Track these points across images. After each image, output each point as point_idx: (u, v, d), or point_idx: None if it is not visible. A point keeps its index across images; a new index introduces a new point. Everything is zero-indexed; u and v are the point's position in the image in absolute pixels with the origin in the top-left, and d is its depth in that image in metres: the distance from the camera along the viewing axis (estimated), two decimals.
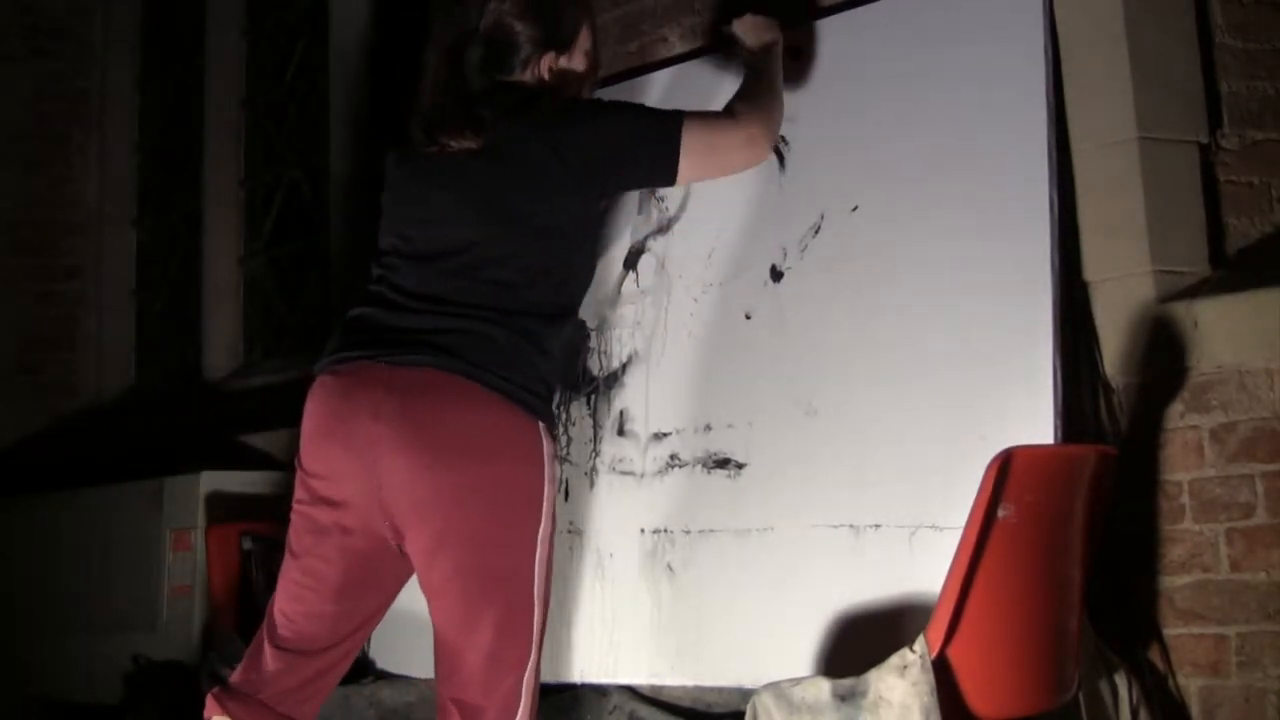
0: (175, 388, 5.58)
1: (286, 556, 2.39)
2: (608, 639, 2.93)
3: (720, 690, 2.83)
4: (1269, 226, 2.81)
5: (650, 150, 2.48)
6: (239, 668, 2.40)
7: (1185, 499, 2.60)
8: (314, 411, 2.35)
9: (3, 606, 4.79)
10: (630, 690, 2.96)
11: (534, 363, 2.32)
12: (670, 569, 2.86)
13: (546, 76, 2.52)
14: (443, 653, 2.31)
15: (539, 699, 2.34)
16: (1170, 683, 2.59)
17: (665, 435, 2.94)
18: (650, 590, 2.88)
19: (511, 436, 2.28)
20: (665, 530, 2.89)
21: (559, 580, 3.02)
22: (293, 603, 2.37)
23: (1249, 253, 2.76)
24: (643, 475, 2.96)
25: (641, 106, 2.62)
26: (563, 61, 2.53)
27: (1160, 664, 2.60)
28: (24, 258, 5.76)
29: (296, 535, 2.38)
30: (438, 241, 2.39)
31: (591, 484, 3.04)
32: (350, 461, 2.28)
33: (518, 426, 2.28)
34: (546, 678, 3.00)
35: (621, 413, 3.03)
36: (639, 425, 2.99)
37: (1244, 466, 2.54)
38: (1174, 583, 2.61)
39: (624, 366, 3.05)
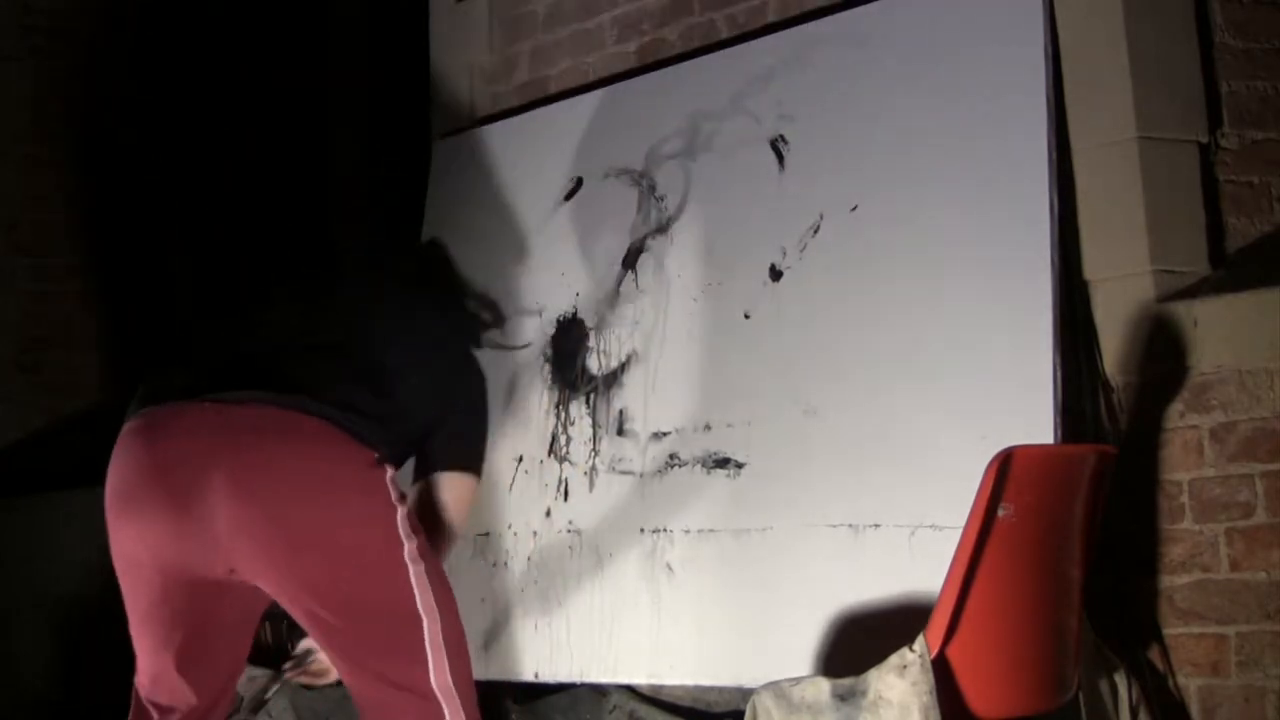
0: None
1: (131, 618, 2.33)
2: (607, 639, 2.93)
3: (720, 690, 2.83)
4: (1269, 226, 2.81)
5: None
6: None
7: (1185, 499, 2.60)
8: (131, 465, 2.26)
9: (2, 606, 4.78)
10: (630, 690, 2.96)
11: (357, 379, 2.31)
12: (670, 568, 2.86)
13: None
14: (346, 683, 2.31)
15: (474, 707, 2.32)
16: (1170, 682, 2.59)
17: (664, 435, 2.94)
18: (650, 590, 2.88)
19: (354, 476, 2.24)
20: (665, 530, 2.89)
21: (559, 579, 3.02)
22: (151, 658, 2.33)
23: (1249, 253, 2.76)
24: (642, 475, 2.96)
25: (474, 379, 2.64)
26: None
27: (1160, 664, 2.60)
28: (24, 258, 5.75)
29: (132, 596, 2.32)
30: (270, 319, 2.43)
31: (591, 484, 3.04)
32: (179, 516, 2.20)
33: (359, 462, 2.25)
34: (546, 678, 3.00)
35: (621, 412, 3.03)
36: (638, 425, 2.99)
37: (1244, 466, 2.54)
38: (1174, 582, 2.61)
39: (623, 366, 3.05)
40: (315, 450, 2.22)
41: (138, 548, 2.27)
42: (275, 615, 2.92)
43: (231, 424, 2.19)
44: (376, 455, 2.27)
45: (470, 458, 2.57)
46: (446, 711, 2.25)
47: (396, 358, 2.40)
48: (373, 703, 2.27)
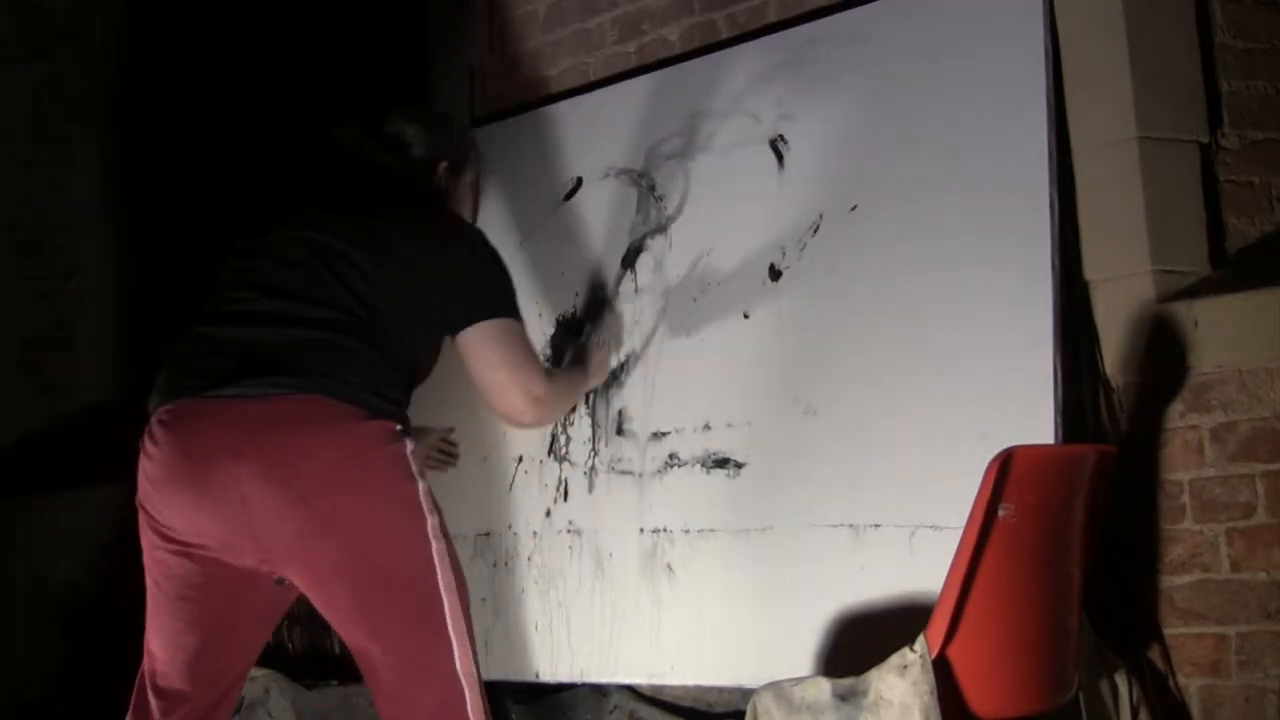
0: None
1: (150, 604, 2.34)
2: (607, 639, 2.93)
3: (720, 690, 2.83)
4: (1269, 226, 2.81)
5: (468, 298, 2.47)
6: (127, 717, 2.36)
7: (1185, 499, 2.60)
8: (159, 457, 2.26)
9: (2, 607, 4.78)
10: (630, 690, 2.97)
11: (379, 367, 2.31)
12: (670, 568, 2.86)
13: (438, 180, 2.69)
14: (366, 675, 2.29)
15: (483, 688, 2.30)
16: (1170, 682, 2.59)
17: (664, 435, 2.94)
18: (650, 590, 2.88)
19: (377, 452, 2.26)
20: (665, 530, 2.89)
21: (559, 579, 3.03)
22: (168, 649, 2.33)
23: (1249, 253, 2.76)
24: (642, 475, 2.96)
25: (504, 278, 2.56)
26: (452, 176, 2.72)
27: (1160, 664, 2.60)
28: (24, 258, 5.75)
29: (157, 582, 2.32)
30: (278, 278, 2.38)
31: (590, 484, 3.04)
32: (211, 506, 2.22)
33: (380, 437, 2.26)
34: (546, 678, 3.01)
35: (620, 412, 3.03)
36: (638, 425, 2.99)
37: (1244, 466, 2.54)
38: (1174, 582, 2.61)
39: (623, 366, 3.05)
40: (337, 432, 2.23)
41: (168, 537, 2.28)
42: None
43: (253, 416, 2.21)
44: (397, 426, 2.29)
45: (480, 308, 2.49)
46: (468, 697, 2.25)
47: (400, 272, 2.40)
48: (396, 691, 2.26)
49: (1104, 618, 2.57)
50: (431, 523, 2.28)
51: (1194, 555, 2.59)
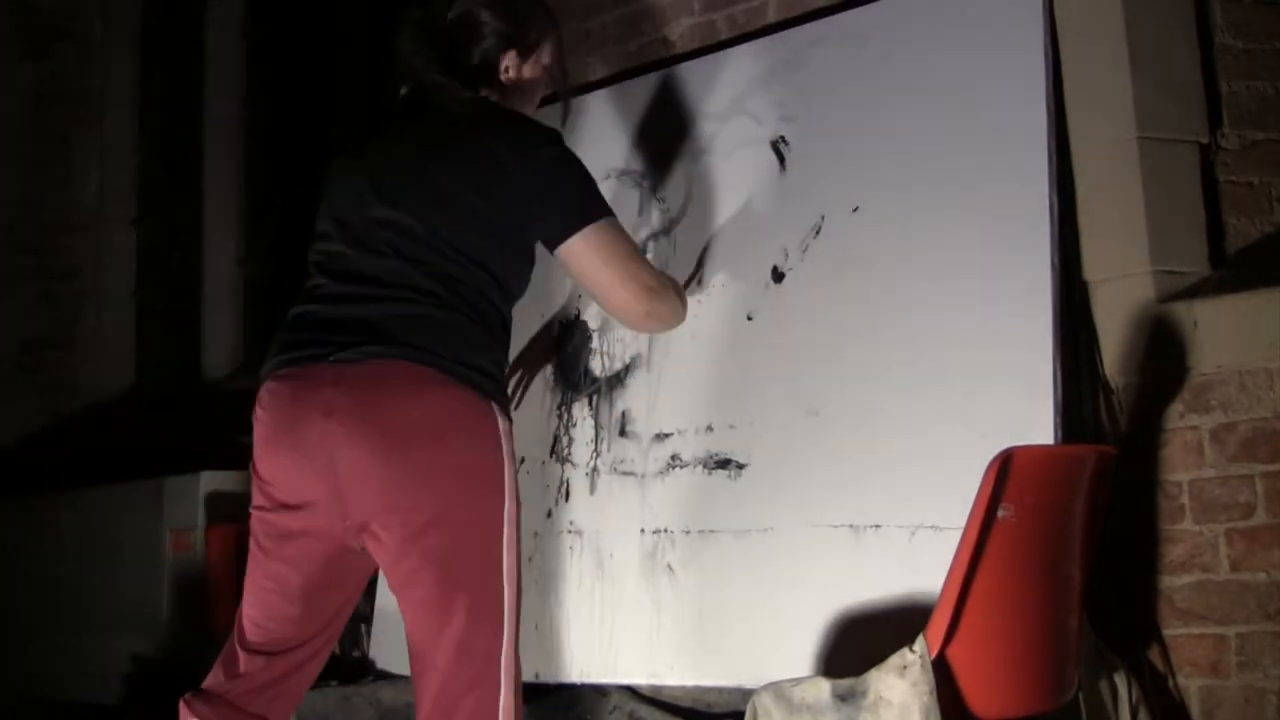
0: (175, 387, 5.58)
1: (250, 561, 2.39)
2: (608, 639, 2.93)
3: (720, 690, 2.83)
4: (1269, 226, 2.81)
5: (561, 207, 2.44)
6: (211, 672, 2.39)
7: (1185, 499, 2.60)
8: (263, 419, 2.33)
9: (2, 607, 4.79)
10: (630, 690, 2.97)
11: (483, 345, 2.32)
12: (670, 569, 2.86)
13: (503, 75, 2.56)
14: (415, 649, 2.29)
15: (522, 688, 2.31)
16: (1170, 683, 2.59)
17: (667, 436, 2.94)
18: (650, 590, 2.88)
19: (465, 418, 2.27)
20: (666, 530, 2.89)
21: (559, 580, 3.03)
22: (258, 606, 2.37)
23: (1249, 253, 2.77)
24: (644, 476, 2.96)
25: (588, 177, 2.50)
26: (522, 65, 2.58)
27: (1160, 664, 2.61)
28: (24, 258, 5.76)
29: (257, 540, 2.37)
30: (379, 226, 2.37)
31: (593, 484, 3.04)
32: (306, 464, 2.27)
33: (470, 407, 2.27)
34: (546, 678, 3.00)
35: (623, 414, 3.03)
36: (641, 426, 2.99)
37: (1244, 467, 2.54)
38: (1174, 583, 2.61)
39: (626, 368, 3.05)
40: (425, 395, 2.24)
41: (271, 496, 2.33)
42: None
43: (345, 377, 2.24)
44: (490, 400, 2.29)
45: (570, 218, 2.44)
46: (503, 693, 2.25)
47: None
48: (443, 672, 2.24)
49: (1104, 618, 2.57)
50: (509, 506, 2.28)
51: (1194, 556, 2.59)
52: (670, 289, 2.65)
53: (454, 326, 2.30)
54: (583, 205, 2.45)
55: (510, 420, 2.34)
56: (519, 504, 2.32)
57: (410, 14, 2.57)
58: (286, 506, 2.32)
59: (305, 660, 2.40)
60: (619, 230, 2.50)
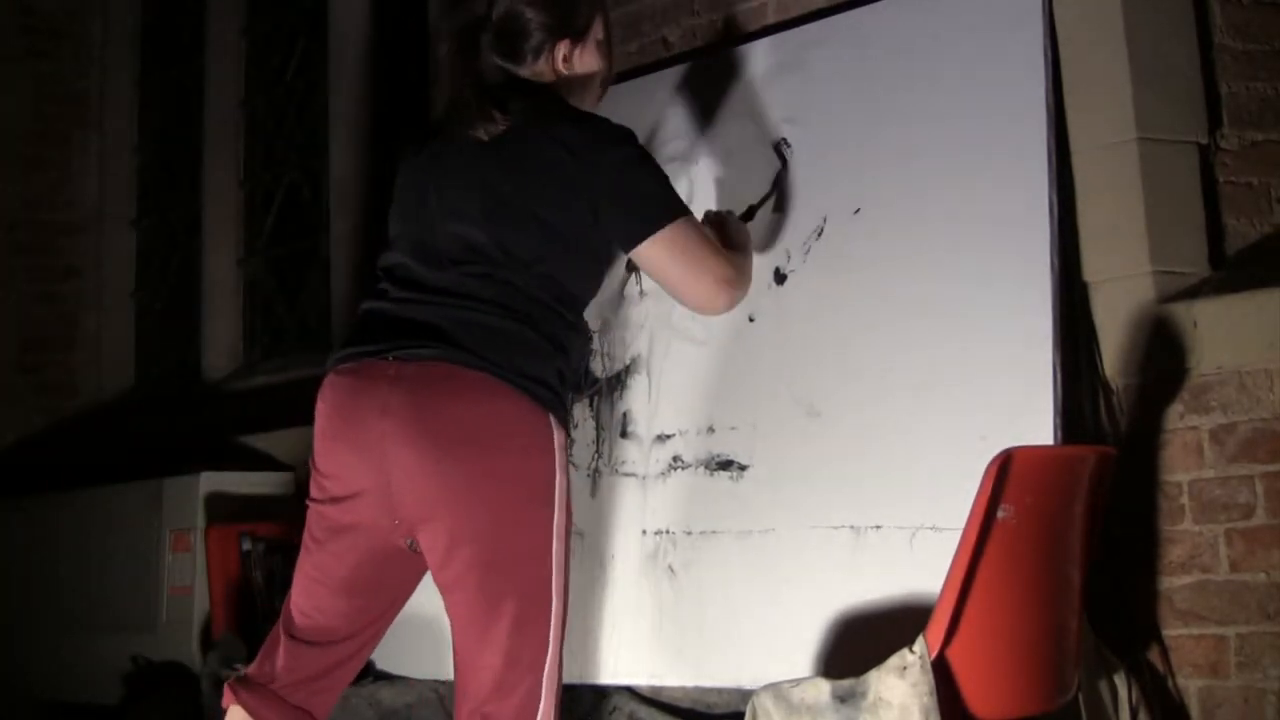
0: (175, 388, 5.58)
1: (301, 551, 2.41)
2: (608, 639, 2.93)
3: (720, 690, 2.83)
4: (1269, 227, 2.81)
5: (636, 210, 2.41)
6: (256, 659, 2.41)
7: (1185, 500, 2.60)
8: (323, 411, 2.36)
9: (2, 607, 4.79)
10: (630, 690, 2.97)
11: (544, 355, 2.31)
12: (671, 570, 2.86)
13: (560, 67, 2.49)
14: (460, 655, 2.29)
15: (562, 701, 2.31)
16: (1170, 683, 2.59)
17: (668, 437, 2.94)
18: (651, 591, 2.88)
19: (521, 426, 2.26)
20: (667, 532, 2.89)
21: None
22: (306, 597, 2.39)
23: (1249, 253, 2.77)
24: (645, 477, 2.96)
25: (660, 173, 2.47)
26: (576, 52, 2.50)
27: (1160, 664, 2.61)
28: (24, 258, 5.76)
29: (310, 532, 2.39)
30: (444, 236, 2.37)
31: (594, 486, 3.05)
32: (359, 459, 2.28)
33: (526, 416, 2.26)
34: None
35: (625, 415, 3.03)
36: (642, 427, 3.00)
37: (1244, 467, 2.54)
38: (1174, 583, 2.61)
39: (627, 369, 3.05)
40: (481, 399, 2.24)
41: (326, 489, 2.34)
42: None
43: (404, 376, 2.25)
44: (546, 411, 2.28)
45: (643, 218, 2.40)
46: (543, 703, 2.24)
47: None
48: (484, 678, 2.24)
49: (1104, 618, 2.57)
50: (559, 519, 2.27)
51: (1193, 556, 2.59)
52: (745, 272, 2.62)
53: (515, 336, 2.29)
54: (658, 206, 2.42)
55: (567, 432, 2.34)
56: (570, 516, 2.31)
57: (454, 20, 2.55)
58: (338, 500, 2.33)
59: (346, 657, 2.41)
60: (694, 227, 2.48)
